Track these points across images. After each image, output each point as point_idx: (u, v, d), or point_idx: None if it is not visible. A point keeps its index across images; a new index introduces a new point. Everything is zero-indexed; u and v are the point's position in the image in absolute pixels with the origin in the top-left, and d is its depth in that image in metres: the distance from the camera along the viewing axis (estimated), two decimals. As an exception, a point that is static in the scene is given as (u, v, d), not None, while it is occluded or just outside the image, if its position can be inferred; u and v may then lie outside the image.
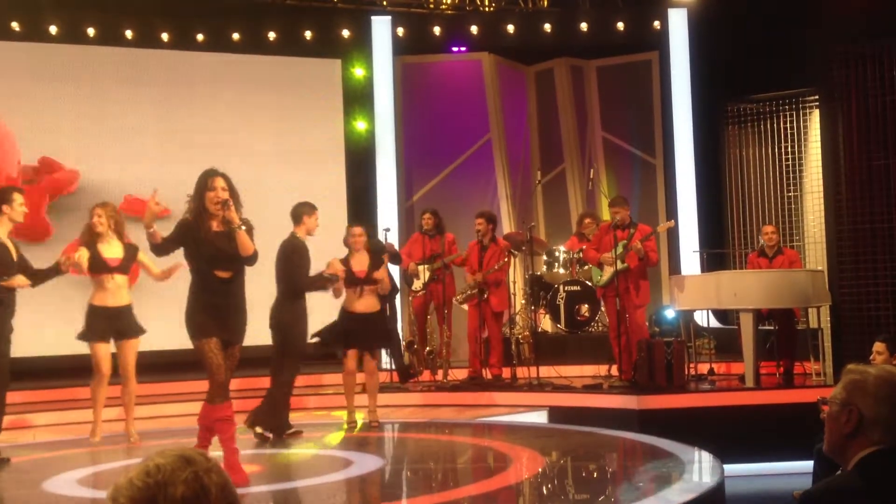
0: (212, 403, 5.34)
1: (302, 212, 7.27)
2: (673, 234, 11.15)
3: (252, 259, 5.35)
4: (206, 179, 5.32)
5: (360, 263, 7.52)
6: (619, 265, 8.54)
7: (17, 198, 6.52)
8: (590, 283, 9.52)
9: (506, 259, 9.33)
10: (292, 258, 7.14)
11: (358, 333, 7.45)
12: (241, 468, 5.40)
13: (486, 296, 9.22)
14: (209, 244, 5.26)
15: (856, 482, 2.33)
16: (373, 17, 11.58)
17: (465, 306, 9.49)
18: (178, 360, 10.18)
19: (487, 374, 9.40)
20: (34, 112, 10.46)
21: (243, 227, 5.26)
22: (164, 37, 10.98)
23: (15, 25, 10.44)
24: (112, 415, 7.47)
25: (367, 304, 7.48)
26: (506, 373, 9.33)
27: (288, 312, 7.11)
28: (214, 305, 5.28)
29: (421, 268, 9.61)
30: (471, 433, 7.52)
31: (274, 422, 7.18)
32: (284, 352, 7.11)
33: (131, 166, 10.66)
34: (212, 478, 1.51)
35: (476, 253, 9.37)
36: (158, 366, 9.61)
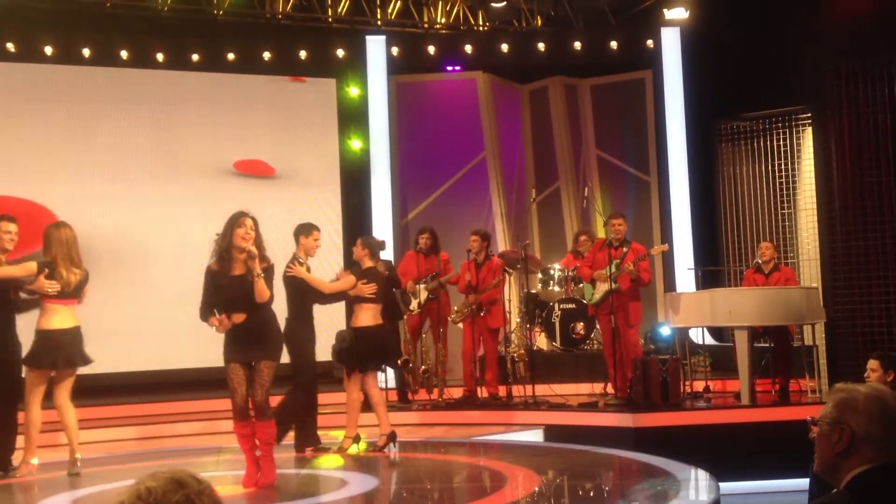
0: (234, 420, 6.00)
1: (298, 232, 7.30)
2: (667, 252, 11.14)
3: (268, 303, 5.94)
4: (237, 218, 5.87)
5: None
6: (612, 285, 8.54)
7: (4, 226, 6.35)
8: (585, 301, 9.53)
9: (501, 276, 9.33)
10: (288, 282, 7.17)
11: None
12: (254, 472, 5.99)
13: (482, 314, 9.22)
14: (226, 291, 5.85)
15: (849, 500, 2.33)
16: (367, 37, 11.62)
17: (461, 325, 9.47)
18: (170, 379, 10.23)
19: (484, 392, 9.37)
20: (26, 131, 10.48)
21: (262, 276, 5.77)
22: (159, 57, 11.00)
23: (10, 46, 10.46)
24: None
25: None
26: (501, 391, 9.31)
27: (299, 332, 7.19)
28: (236, 338, 5.94)
29: (418, 287, 9.59)
30: (466, 452, 7.49)
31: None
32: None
33: (126, 185, 10.68)
34: (203, 500, 1.51)
35: (471, 271, 9.37)
36: (146, 386, 9.61)
